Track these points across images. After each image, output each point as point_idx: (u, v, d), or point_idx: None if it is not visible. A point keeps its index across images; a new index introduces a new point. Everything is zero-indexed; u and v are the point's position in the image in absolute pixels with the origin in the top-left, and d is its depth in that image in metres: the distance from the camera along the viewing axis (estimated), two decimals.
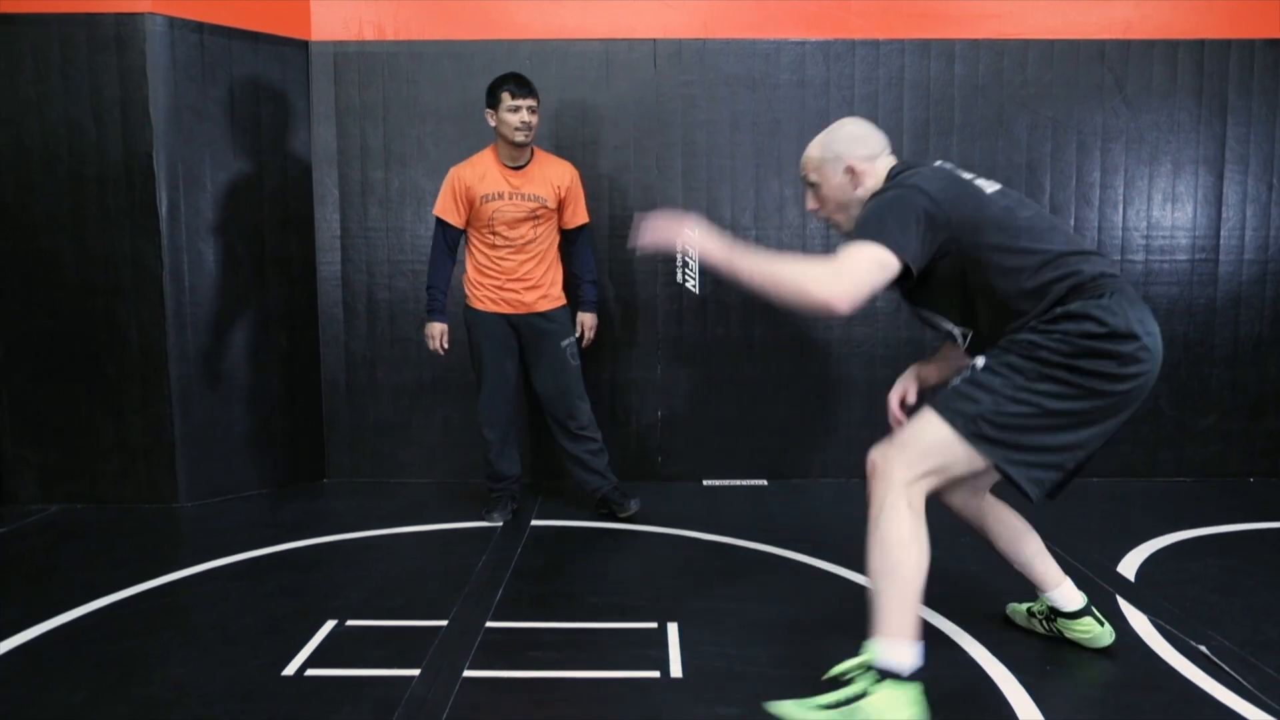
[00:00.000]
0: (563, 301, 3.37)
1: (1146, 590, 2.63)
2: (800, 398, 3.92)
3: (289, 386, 3.87)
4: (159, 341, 3.53)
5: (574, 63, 3.79)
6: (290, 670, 2.14)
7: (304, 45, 3.80)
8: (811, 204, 2.13)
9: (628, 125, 3.82)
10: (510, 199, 3.19)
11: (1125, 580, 2.72)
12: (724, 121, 3.82)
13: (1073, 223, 3.85)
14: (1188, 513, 3.43)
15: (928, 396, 2.02)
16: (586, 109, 3.80)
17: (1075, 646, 2.23)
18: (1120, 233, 3.86)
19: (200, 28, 3.52)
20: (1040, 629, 2.29)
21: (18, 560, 2.99)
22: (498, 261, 3.24)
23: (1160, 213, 3.86)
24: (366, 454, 3.98)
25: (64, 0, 3.40)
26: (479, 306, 3.29)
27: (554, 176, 3.28)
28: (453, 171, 3.25)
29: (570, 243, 3.41)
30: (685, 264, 3.87)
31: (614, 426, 3.94)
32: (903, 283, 1.91)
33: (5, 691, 2.05)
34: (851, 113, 3.78)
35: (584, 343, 3.44)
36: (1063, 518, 3.37)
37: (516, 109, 3.12)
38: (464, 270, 3.35)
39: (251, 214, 3.71)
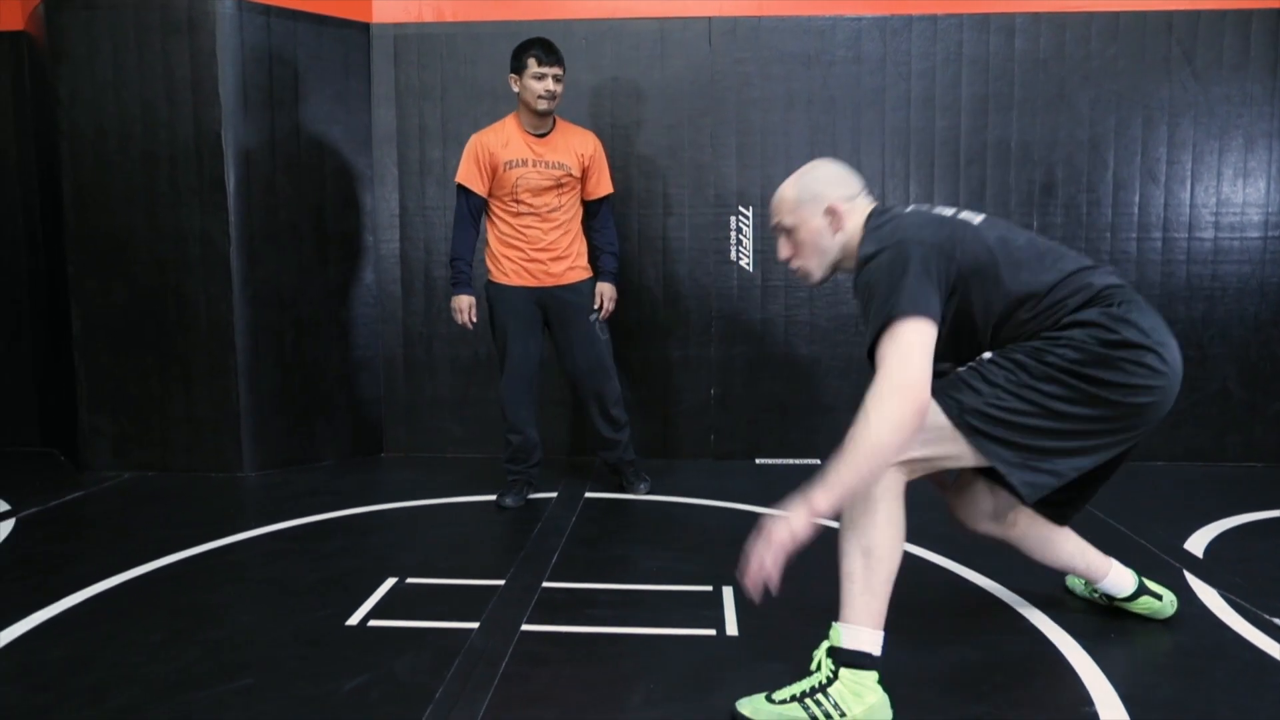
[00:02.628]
0: (589, 273, 3.30)
1: (1215, 566, 2.56)
2: (854, 376, 3.89)
3: (348, 361, 3.96)
4: (226, 316, 3.64)
5: (629, 41, 3.82)
6: (353, 621, 2.20)
7: (365, 27, 3.89)
8: (785, 251, 2.00)
9: (682, 103, 3.83)
10: (534, 166, 3.12)
11: (1193, 557, 2.65)
12: (778, 99, 3.81)
13: (1137, 199, 3.76)
14: (1257, 496, 3.33)
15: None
16: (641, 88, 3.82)
17: (1139, 616, 2.18)
18: (1188, 210, 3.76)
19: (267, 10, 3.62)
20: (1101, 602, 2.25)
21: (95, 521, 3.11)
22: (522, 231, 3.16)
23: (1231, 189, 3.75)
24: (423, 428, 4.06)
25: None
26: (504, 280, 3.18)
27: (577, 145, 3.20)
28: (474, 138, 3.17)
29: (592, 214, 3.32)
30: (739, 242, 3.87)
31: (666, 404, 3.96)
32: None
33: (89, 632, 2.14)
34: (908, 89, 3.76)
35: (603, 314, 3.32)
36: (1127, 498, 3.29)
37: (541, 76, 3.05)
38: (484, 245, 3.27)
39: (314, 192, 3.81)
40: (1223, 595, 2.33)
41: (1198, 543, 2.78)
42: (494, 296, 3.22)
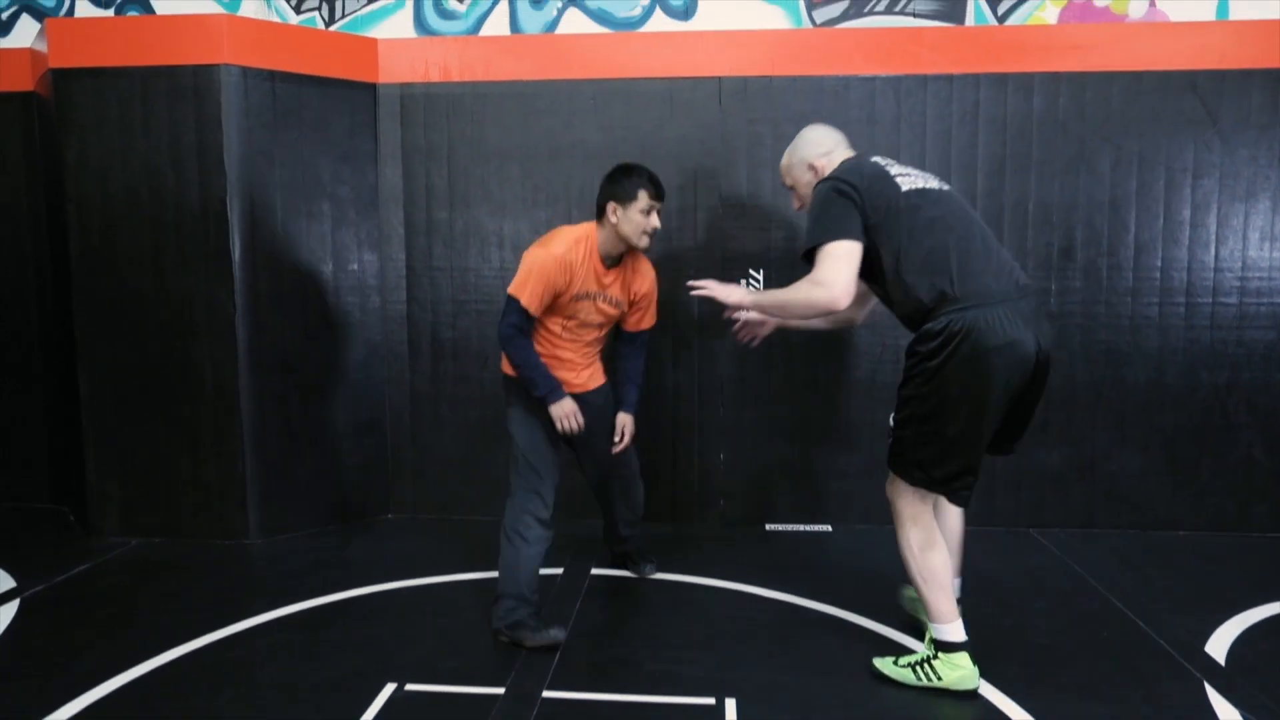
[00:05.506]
0: (605, 379, 3.10)
1: (1239, 676, 2.47)
2: (865, 441, 3.81)
3: (355, 423, 3.93)
4: (231, 382, 3.63)
5: (637, 102, 3.76)
6: None
7: (371, 88, 3.85)
8: (795, 204, 2.69)
9: (692, 164, 3.76)
10: (597, 300, 2.86)
11: (1214, 664, 2.56)
12: None
13: (1159, 263, 3.66)
14: None
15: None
16: (650, 148, 3.76)
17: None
18: (1212, 274, 3.65)
19: (272, 76, 3.59)
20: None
21: (100, 602, 3.08)
22: (558, 348, 2.91)
23: (1258, 252, 3.64)
24: (430, 490, 4.03)
25: (148, 54, 3.51)
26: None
27: (636, 283, 2.95)
28: (554, 257, 2.72)
29: (628, 342, 3.07)
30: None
31: (675, 469, 3.91)
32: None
33: None
34: (923, 150, 3.68)
35: (620, 445, 3.04)
36: (1146, 577, 3.21)
37: (650, 211, 2.76)
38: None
39: (320, 254, 3.78)
40: (1245, 718, 2.24)
41: (1220, 642, 2.69)
42: (522, 399, 2.88)
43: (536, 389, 2.79)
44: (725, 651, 2.66)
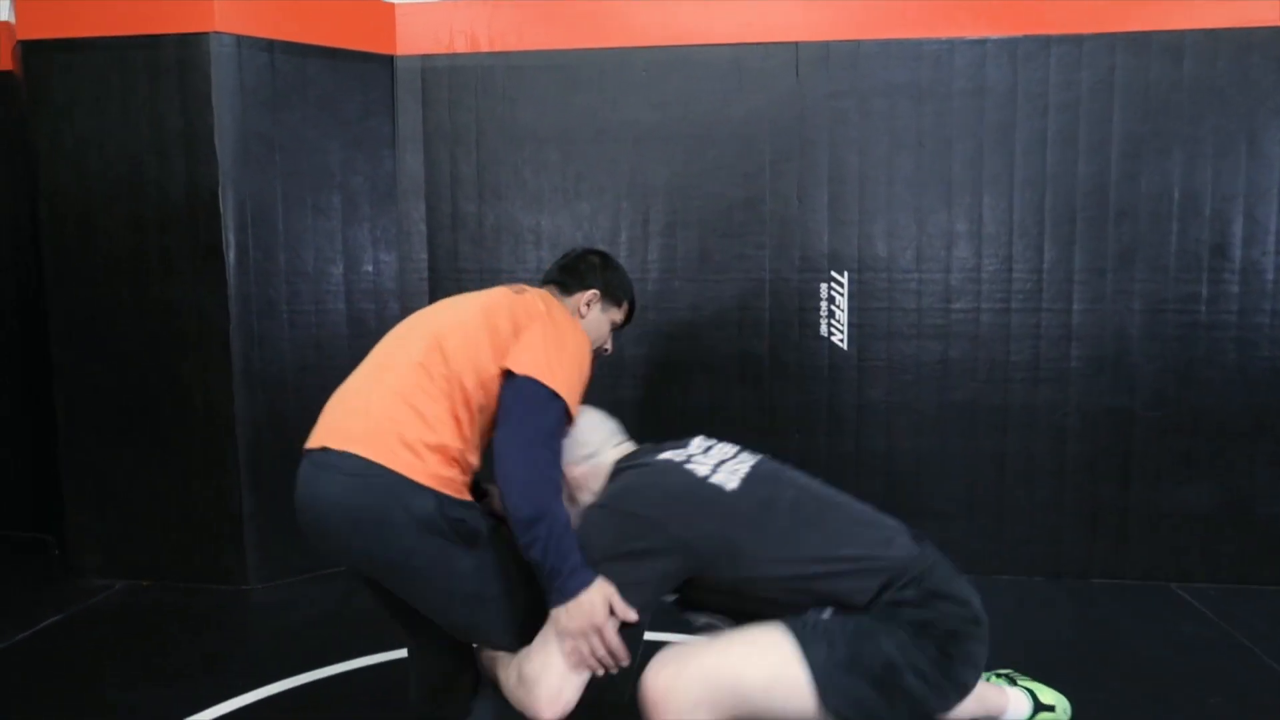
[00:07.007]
0: None
1: None
2: (970, 476, 3.21)
3: None
4: (225, 403, 3.13)
5: (699, 73, 3.18)
6: None
7: (388, 60, 3.32)
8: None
9: (763, 147, 3.18)
10: None
11: None
12: (881, 140, 3.13)
13: None
14: None
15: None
16: (712, 128, 3.19)
17: None
18: None
19: (271, 46, 3.07)
20: None
21: (68, 666, 2.59)
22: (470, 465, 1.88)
23: None
24: None
25: (125, 22, 3.01)
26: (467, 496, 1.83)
27: None
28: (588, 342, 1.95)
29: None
30: (831, 313, 3.21)
31: None
32: None
33: None
34: (1044, 127, 3.06)
35: None
36: (1255, 640, 2.57)
37: (617, 330, 2.18)
38: (444, 439, 1.79)
39: (328, 254, 3.26)
40: None
41: None
42: (479, 522, 1.81)
43: (567, 561, 1.63)
44: None
